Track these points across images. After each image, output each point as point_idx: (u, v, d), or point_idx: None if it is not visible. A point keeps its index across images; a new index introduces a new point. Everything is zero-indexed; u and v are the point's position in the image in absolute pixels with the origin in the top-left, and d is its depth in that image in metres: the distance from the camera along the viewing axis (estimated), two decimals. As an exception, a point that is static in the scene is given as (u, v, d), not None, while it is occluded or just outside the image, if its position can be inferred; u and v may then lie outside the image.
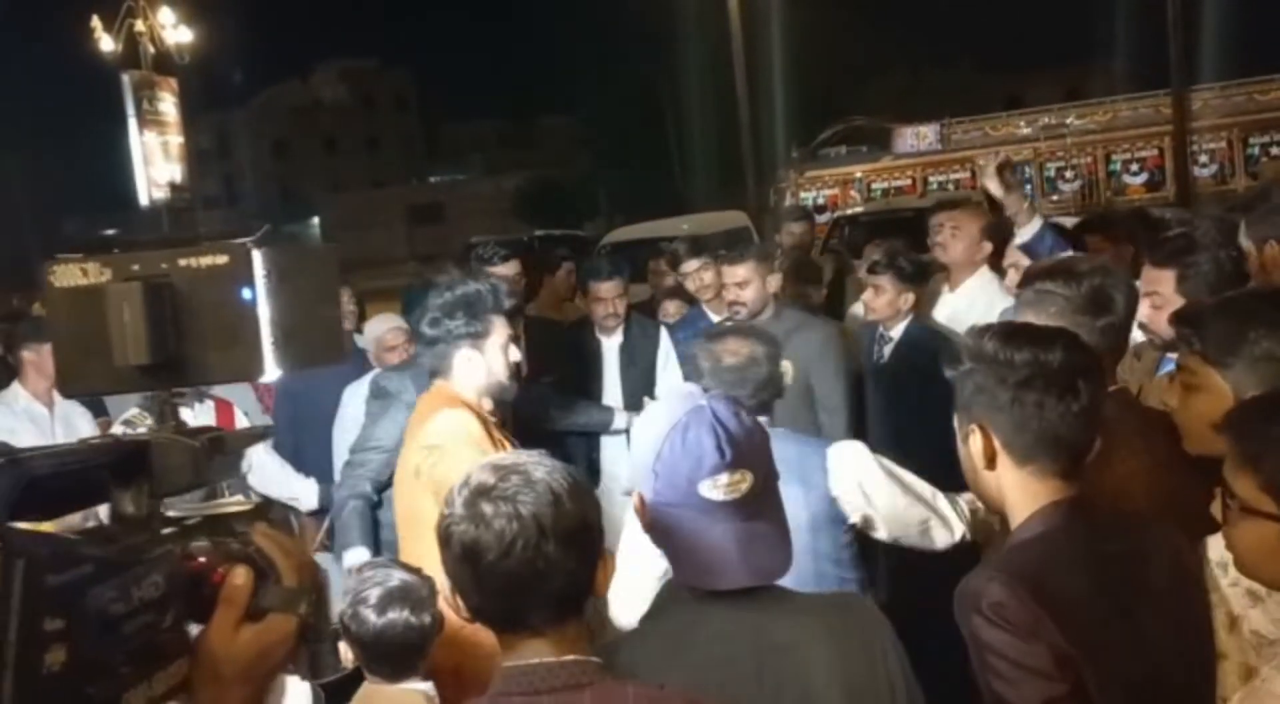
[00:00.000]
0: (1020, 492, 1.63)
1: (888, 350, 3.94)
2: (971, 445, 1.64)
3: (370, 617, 2.14)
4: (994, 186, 3.52)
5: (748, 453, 1.50)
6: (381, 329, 4.45)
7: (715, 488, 1.49)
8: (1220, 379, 1.84)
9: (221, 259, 1.09)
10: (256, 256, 1.12)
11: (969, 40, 32.43)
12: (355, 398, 4.32)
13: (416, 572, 2.23)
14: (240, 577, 0.95)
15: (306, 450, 4.44)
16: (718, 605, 1.51)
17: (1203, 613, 1.66)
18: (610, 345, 4.55)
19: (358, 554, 3.14)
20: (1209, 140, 14.24)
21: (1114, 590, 1.57)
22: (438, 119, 54.45)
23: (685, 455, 1.51)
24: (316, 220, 46.11)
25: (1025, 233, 3.40)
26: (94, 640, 0.79)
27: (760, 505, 1.52)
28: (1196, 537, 1.76)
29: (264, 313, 1.11)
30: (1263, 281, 2.51)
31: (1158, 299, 2.46)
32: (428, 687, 2.21)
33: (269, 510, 1.14)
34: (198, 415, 4.10)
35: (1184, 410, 1.93)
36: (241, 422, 4.28)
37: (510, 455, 1.39)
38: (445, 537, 1.33)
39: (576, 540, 1.32)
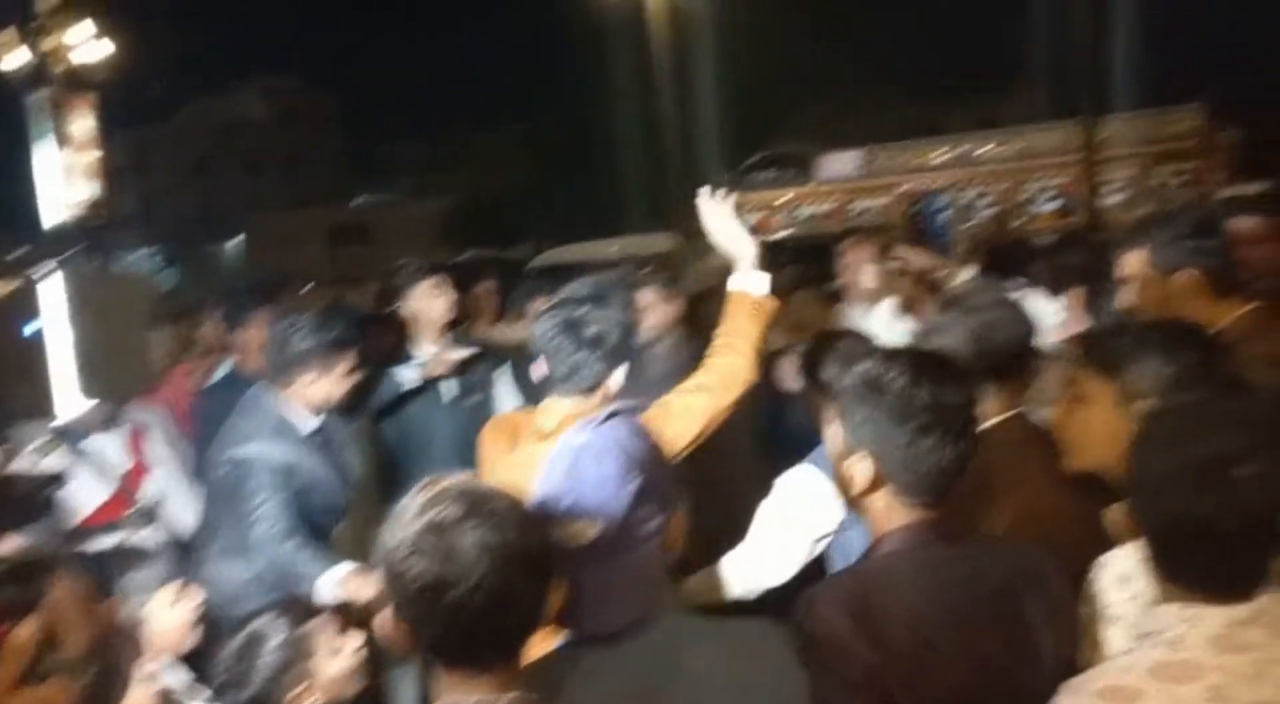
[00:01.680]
0: (886, 512, 1.70)
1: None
2: (857, 469, 1.70)
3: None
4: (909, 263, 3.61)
5: (594, 503, 1.47)
6: None
7: (565, 532, 1.48)
8: (1111, 390, 1.90)
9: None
10: (45, 289, 1.05)
11: (893, 67, 33.14)
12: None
13: None
14: (23, 634, 0.89)
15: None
16: (614, 644, 1.50)
17: (1058, 641, 1.69)
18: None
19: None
20: (1117, 169, 14.72)
21: (947, 614, 1.62)
22: (364, 139, 53.81)
23: (546, 496, 1.51)
24: (237, 240, 45.12)
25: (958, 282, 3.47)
26: None
27: (613, 552, 1.49)
28: (1092, 555, 1.80)
29: (66, 342, 1.05)
30: (1157, 307, 2.58)
31: (1070, 319, 2.56)
32: None
33: (85, 564, 1.07)
34: (110, 443, 3.98)
35: (1071, 423, 2.00)
36: (157, 448, 4.16)
37: (463, 482, 1.34)
38: (400, 569, 1.28)
39: (537, 572, 1.30)
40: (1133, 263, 2.67)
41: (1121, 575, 1.73)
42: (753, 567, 2.51)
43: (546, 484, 1.52)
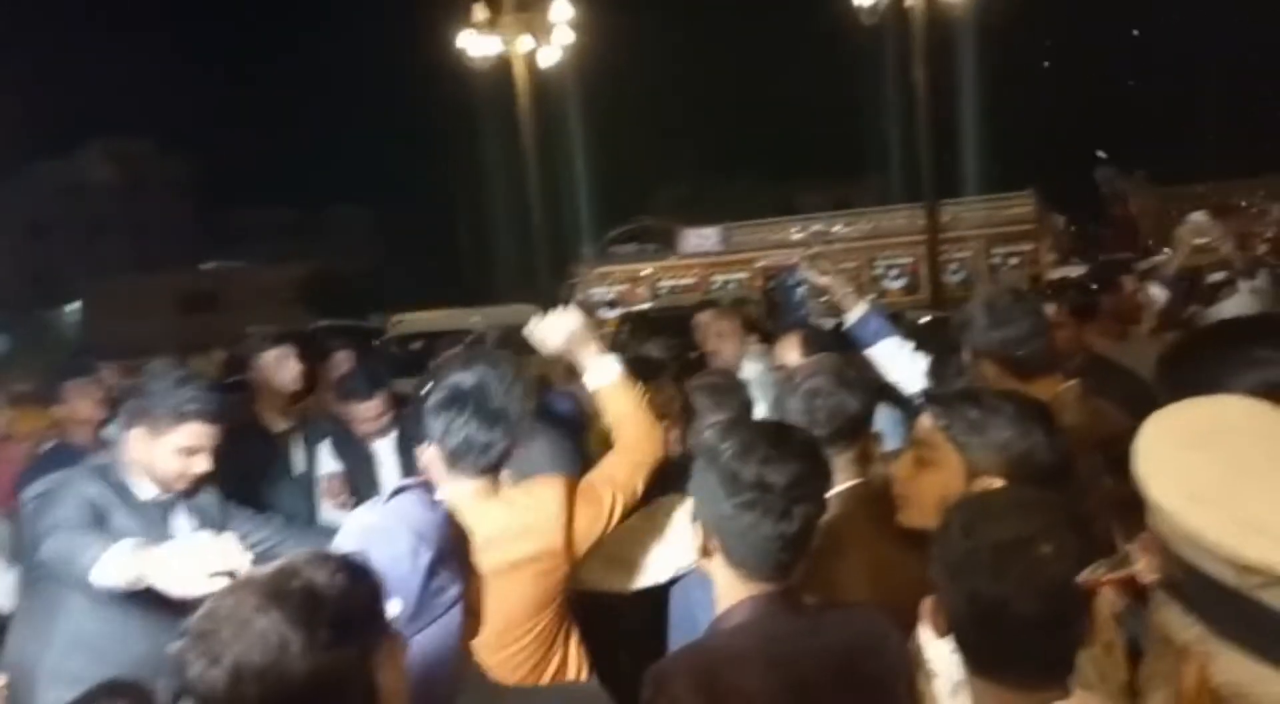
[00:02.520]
0: (726, 585, 1.73)
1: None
2: (695, 535, 1.74)
3: None
4: (815, 277, 3.69)
5: (390, 581, 1.40)
6: None
7: None
8: (957, 459, 1.97)
9: None
10: None
11: (747, 153, 34.42)
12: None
13: None
14: None
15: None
16: None
17: (901, 701, 1.73)
18: (384, 445, 4.29)
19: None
20: (958, 249, 15.59)
21: (795, 688, 1.64)
22: (217, 204, 52.32)
23: None
24: (77, 306, 42.98)
25: (851, 316, 3.54)
26: None
27: (413, 630, 1.45)
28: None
29: None
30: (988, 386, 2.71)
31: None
32: None
33: None
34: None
35: (912, 483, 2.05)
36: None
37: (230, 601, 1.21)
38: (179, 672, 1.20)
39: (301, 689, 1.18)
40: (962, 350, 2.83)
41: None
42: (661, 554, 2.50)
43: None
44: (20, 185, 48.55)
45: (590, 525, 2.36)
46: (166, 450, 2.74)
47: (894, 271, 15.94)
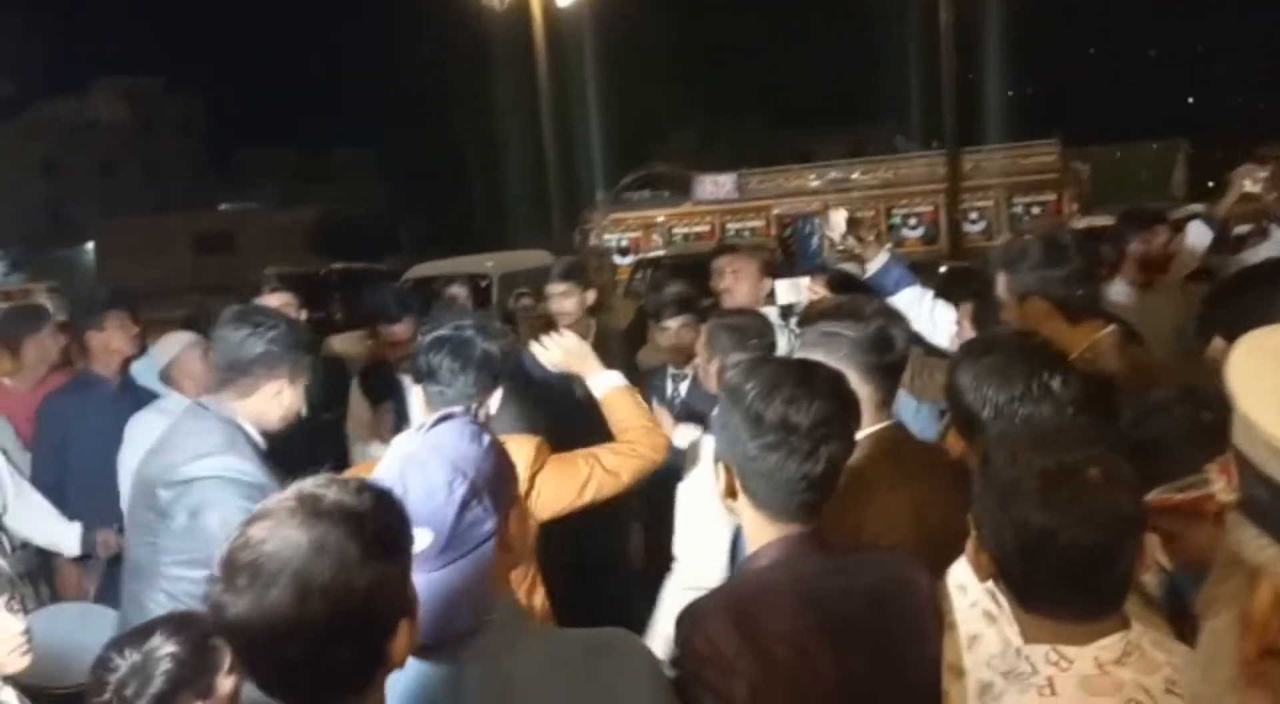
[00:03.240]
0: (754, 526, 1.71)
1: (684, 387, 4.00)
2: (718, 476, 1.73)
3: None
4: (837, 235, 3.66)
5: (422, 512, 1.41)
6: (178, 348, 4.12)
7: None
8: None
9: None
10: None
11: (762, 99, 33.94)
12: (143, 430, 4.02)
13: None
14: None
15: (69, 488, 4.09)
16: (447, 652, 1.44)
17: (932, 649, 1.72)
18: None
19: None
20: (978, 199, 15.41)
21: (826, 626, 1.63)
22: (228, 146, 52.09)
23: None
24: (91, 246, 43.05)
25: (872, 266, 3.52)
26: None
27: (443, 561, 1.43)
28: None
29: None
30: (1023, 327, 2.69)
31: (962, 331, 2.66)
32: None
33: None
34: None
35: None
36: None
37: (288, 509, 1.19)
38: (214, 604, 1.16)
39: (363, 605, 1.18)
40: (998, 287, 2.79)
41: (959, 584, 1.76)
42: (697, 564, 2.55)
43: None
44: (34, 125, 48.41)
45: (557, 492, 2.51)
46: (294, 397, 2.76)
47: (912, 220, 15.78)
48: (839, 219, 3.68)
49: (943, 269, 7.39)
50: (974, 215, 15.37)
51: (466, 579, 1.45)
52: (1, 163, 47.00)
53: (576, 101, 24.14)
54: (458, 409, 1.59)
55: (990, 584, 1.55)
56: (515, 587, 2.17)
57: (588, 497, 2.56)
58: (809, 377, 1.72)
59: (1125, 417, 2.01)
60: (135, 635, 2.02)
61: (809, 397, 1.65)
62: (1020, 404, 1.93)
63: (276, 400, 2.72)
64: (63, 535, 3.97)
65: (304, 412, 3.37)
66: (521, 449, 2.43)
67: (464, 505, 1.44)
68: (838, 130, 33.49)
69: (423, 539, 1.40)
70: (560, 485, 2.52)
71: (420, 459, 1.47)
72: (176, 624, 2.02)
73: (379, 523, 1.21)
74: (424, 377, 2.55)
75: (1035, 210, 14.99)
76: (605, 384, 2.80)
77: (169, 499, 2.56)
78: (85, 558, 4.03)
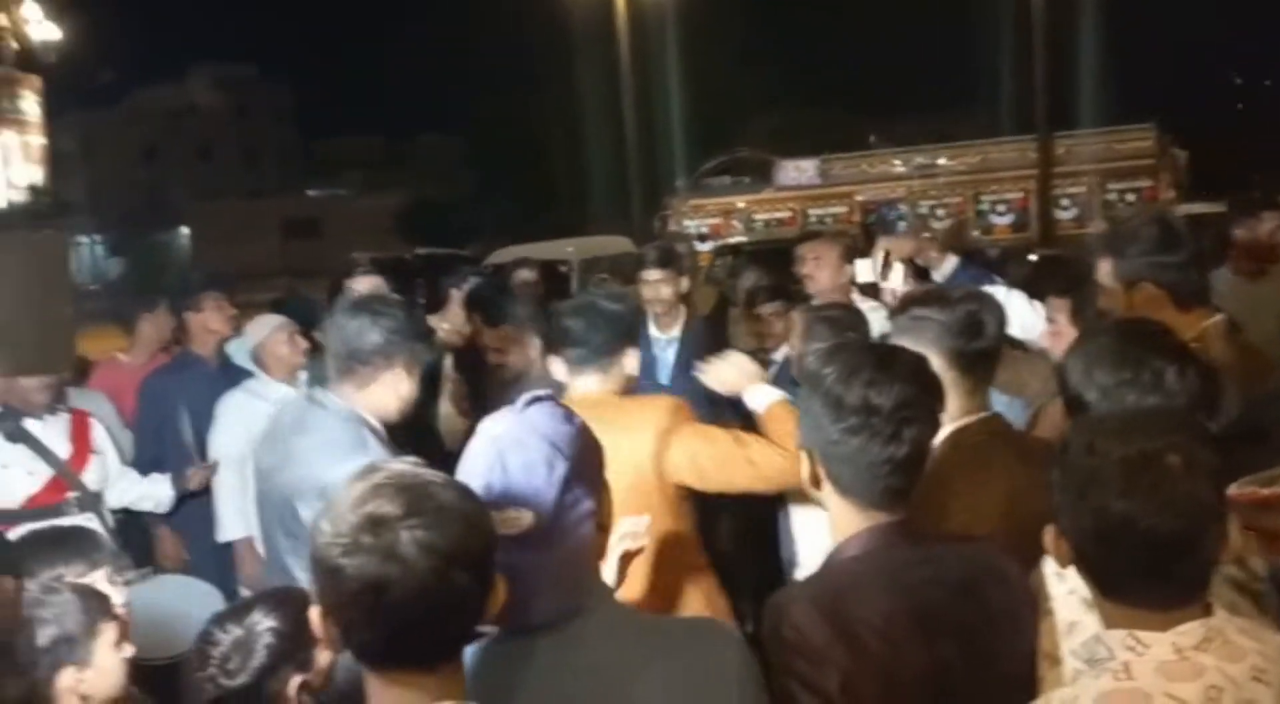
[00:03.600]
0: (841, 515, 1.69)
1: (772, 372, 3.98)
2: (803, 465, 1.72)
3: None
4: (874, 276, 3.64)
5: (524, 491, 1.43)
6: (266, 330, 4.23)
7: (497, 522, 1.43)
8: None
9: None
10: None
11: (847, 83, 33.42)
12: (232, 410, 4.14)
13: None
14: None
15: (168, 465, 4.23)
16: (544, 635, 1.44)
17: (1024, 639, 1.69)
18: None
19: None
20: (1070, 185, 14.98)
21: (916, 616, 1.60)
22: (314, 132, 53.18)
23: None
24: (186, 230, 44.41)
25: (942, 272, 3.47)
26: None
27: (546, 537, 1.43)
28: None
29: None
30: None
31: (1055, 326, 2.58)
32: None
33: None
34: (50, 427, 3.86)
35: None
36: (99, 433, 4.04)
37: (406, 472, 1.24)
38: (335, 567, 1.18)
39: (481, 569, 1.23)
40: (1100, 272, 2.70)
41: (1057, 571, 1.71)
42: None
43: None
44: (132, 111, 50.04)
45: (690, 457, 2.52)
46: (411, 386, 2.73)
47: (1000, 207, 15.39)
48: (865, 266, 3.66)
49: (1032, 257, 7.20)
50: (1065, 202, 14.95)
51: (566, 560, 1.45)
52: (103, 148, 48.71)
53: (658, 86, 24.08)
54: (545, 392, 1.59)
55: None
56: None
57: (721, 476, 2.53)
58: (889, 360, 1.71)
59: (1234, 406, 1.95)
60: (237, 611, 2.09)
61: (889, 379, 1.63)
62: (1129, 390, 1.86)
63: (394, 390, 2.68)
64: (155, 487, 4.13)
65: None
66: (656, 407, 2.58)
67: (565, 484, 1.44)
68: (924, 115, 32.85)
69: (524, 519, 1.41)
70: (694, 451, 2.51)
71: (518, 438, 1.46)
72: (277, 600, 2.08)
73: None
74: (562, 342, 2.70)
75: (1130, 197, 14.49)
76: (767, 398, 2.71)
77: (312, 516, 2.53)
78: (181, 529, 4.20)
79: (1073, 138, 15.57)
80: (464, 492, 1.26)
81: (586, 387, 2.69)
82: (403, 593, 1.16)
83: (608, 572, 1.79)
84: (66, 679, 2.03)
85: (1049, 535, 1.46)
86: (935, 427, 1.71)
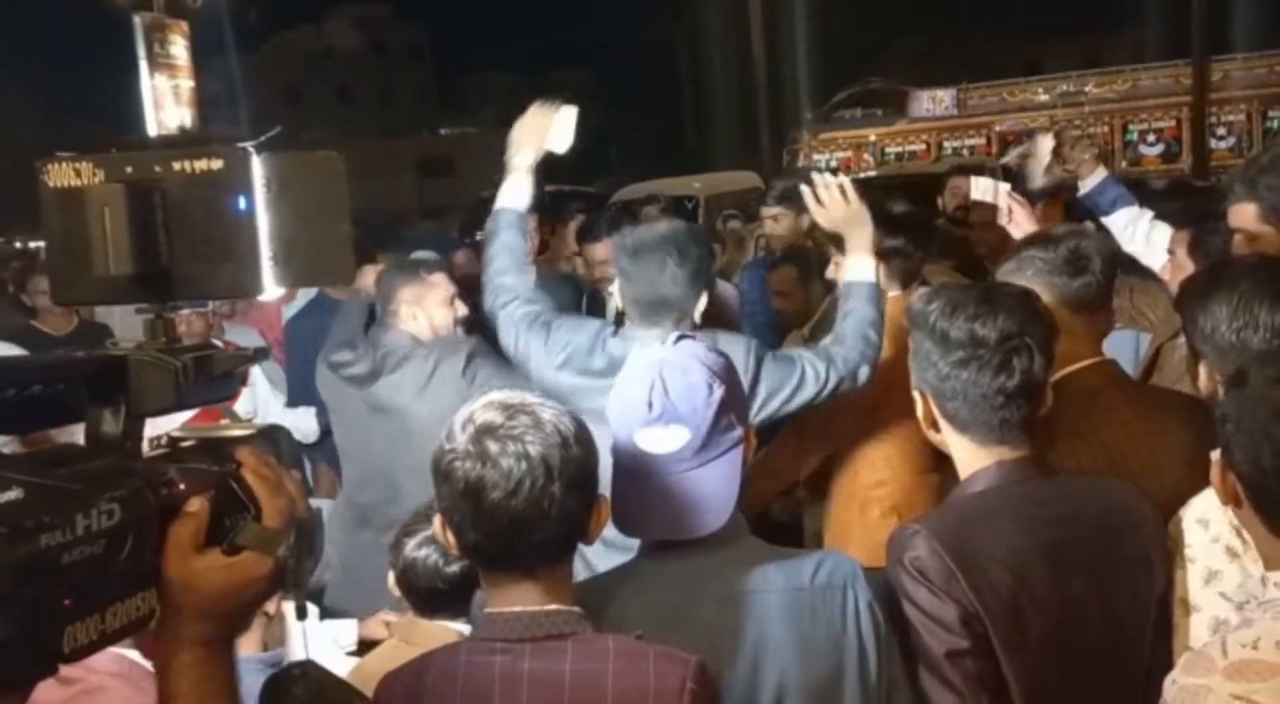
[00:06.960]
0: (964, 454, 1.69)
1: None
2: (919, 406, 1.72)
3: (406, 548, 2.13)
4: (1042, 165, 3.48)
5: (683, 410, 1.49)
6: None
7: (647, 440, 1.50)
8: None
9: (216, 164, 1.00)
10: (256, 163, 1.03)
11: (988, 6, 31.93)
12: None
13: None
14: (195, 505, 0.90)
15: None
16: (674, 554, 1.51)
17: (1154, 585, 1.66)
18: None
19: None
20: (1228, 113, 14.07)
21: (1042, 553, 1.59)
22: (447, 70, 53.93)
23: (626, 406, 1.54)
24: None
25: (1087, 184, 3.33)
26: (20, 570, 0.73)
27: (699, 461, 1.50)
28: (1183, 501, 1.75)
29: (263, 225, 1.03)
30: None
31: (1174, 259, 2.47)
32: (466, 628, 2.15)
33: (274, 438, 1.08)
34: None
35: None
36: (252, 371, 4.27)
37: (516, 394, 1.38)
38: (446, 471, 1.33)
39: (579, 483, 1.33)
40: (1243, 216, 2.48)
41: (1201, 518, 1.68)
42: None
43: (630, 394, 1.53)
44: (274, 54, 51.60)
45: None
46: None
47: (1150, 137, 14.59)
48: (1045, 146, 3.47)
49: (1159, 185, 6.78)
50: (1222, 131, 14.07)
51: (716, 480, 1.51)
52: (249, 90, 50.47)
53: (785, 16, 23.46)
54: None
55: (1234, 519, 1.50)
56: None
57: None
58: (992, 293, 1.71)
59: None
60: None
61: (993, 311, 1.63)
62: None
63: None
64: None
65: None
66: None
67: (721, 407, 1.51)
68: (1069, 40, 31.13)
69: (679, 437, 1.48)
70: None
71: (678, 363, 1.53)
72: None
73: (579, 424, 1.38)
74: (631, 284, 2.59)
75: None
76: (859, 272, 2.57)
77: None
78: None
79: (1231, 62, 14.58)
80: (565, 413, 1.36)
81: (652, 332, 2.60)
82: (500, 496, 1.29)
83: None
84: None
85: (1216, 470, 1.43)
86: (1049, 357, 1.68)
